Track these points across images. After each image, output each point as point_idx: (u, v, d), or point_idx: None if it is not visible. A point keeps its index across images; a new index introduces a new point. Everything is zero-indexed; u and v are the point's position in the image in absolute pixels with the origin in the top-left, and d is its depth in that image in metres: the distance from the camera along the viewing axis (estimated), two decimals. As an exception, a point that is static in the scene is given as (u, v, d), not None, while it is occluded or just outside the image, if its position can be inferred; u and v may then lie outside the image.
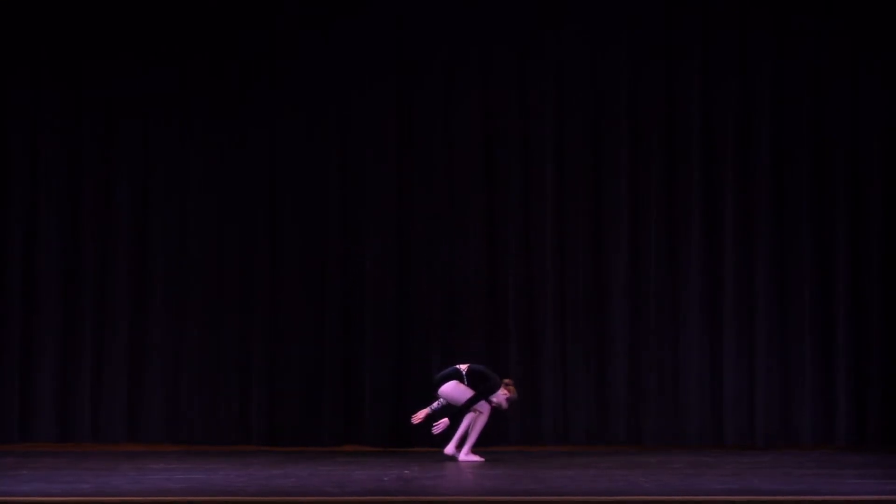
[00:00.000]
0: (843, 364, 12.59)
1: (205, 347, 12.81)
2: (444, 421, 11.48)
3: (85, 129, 12.91)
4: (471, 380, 11.48)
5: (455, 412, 11.49)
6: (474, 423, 11.54)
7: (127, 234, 12.87)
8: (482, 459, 11.51)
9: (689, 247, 12.79)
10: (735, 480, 9.97)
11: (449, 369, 11.62)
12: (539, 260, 12.85)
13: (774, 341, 12.70)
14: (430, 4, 12.96)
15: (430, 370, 12.27)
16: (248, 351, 12.80)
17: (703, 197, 12.80)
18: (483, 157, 12.88)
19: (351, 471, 10.67)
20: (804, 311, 12.69)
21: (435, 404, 11.49)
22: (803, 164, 12.75)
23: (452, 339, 12.71)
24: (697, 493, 9.17)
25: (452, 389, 11.48)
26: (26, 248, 12.85)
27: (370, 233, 12.86)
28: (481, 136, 12.89)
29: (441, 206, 12.85)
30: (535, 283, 12.84)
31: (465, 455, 11.54)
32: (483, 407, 11.52)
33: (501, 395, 11.57)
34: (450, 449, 11.64)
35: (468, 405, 11.42)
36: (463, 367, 11.57)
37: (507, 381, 11.68)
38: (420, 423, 11.58)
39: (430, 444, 12.17)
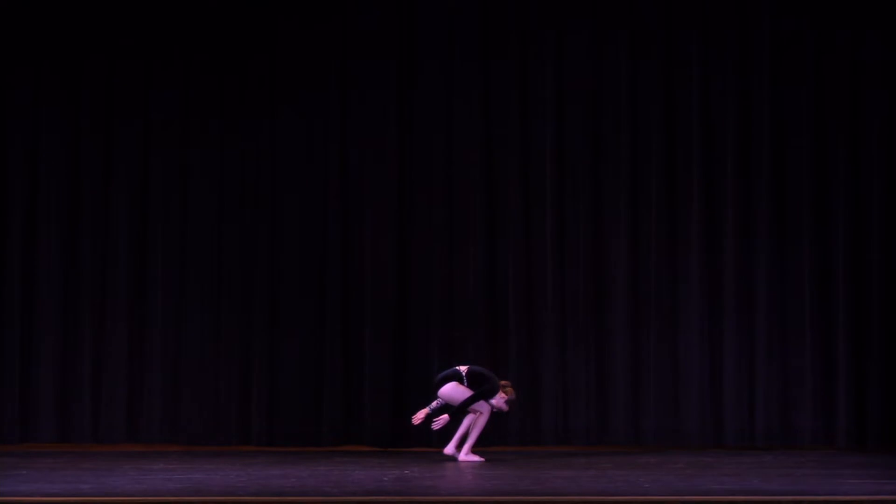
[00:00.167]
0: (844, 364, 12.58)
1: (204, 347, 12.81)
2: (445, 417, 11.45)
3: (85, 130, 12.91)
4: (471, 381, 11.47)
5: (454, 412, 11.48)
6: (474, 423, 11.53)
7: (127, 234, 12.87)
8: (482, 460, 11.50)
9: (689, 247, 12.78)
10: (735, 480, 9.97)
11: (449, 370, 11.61)
12: (539, 260, 12.84)
13: (774, 341, 12.69)
14: (431, 4, 12.96)
15: (430, 370, 12.27)
16: (247, 351, 12.80)
17: (704, 197, 12.78)
18: (483, 157, 12.87)
19: (350, 471, 10.67)
20: (804, 312, 12.68)
21: (434, 403, 11.49)
22: (804, 163, 12.75)
23: (452, 339, 12.71)
24: (697, 493, 9.17)
25: (452, 390, 11.47)
26: (26, 248, 12.84)
27: (370, 233, 12.85)
28: (481, 136, 12.88)
29: (441, 206, 12.84)
30: (534, 284, 12.84)
31: (464, 455, 11.54)
32: (483, 407, 11.51)
33: (500, 399, 11.55)
34: (449, 449, 11.64)
35: (465, 405, 11.40)
36: (463, 369, 11.56)
37: (503, 382, 11.67)
38: (420, 423, 11.58)
39: (429, 444, 12.17)
